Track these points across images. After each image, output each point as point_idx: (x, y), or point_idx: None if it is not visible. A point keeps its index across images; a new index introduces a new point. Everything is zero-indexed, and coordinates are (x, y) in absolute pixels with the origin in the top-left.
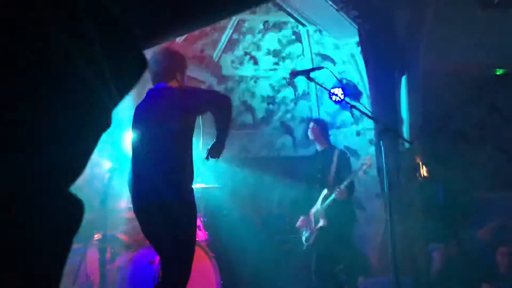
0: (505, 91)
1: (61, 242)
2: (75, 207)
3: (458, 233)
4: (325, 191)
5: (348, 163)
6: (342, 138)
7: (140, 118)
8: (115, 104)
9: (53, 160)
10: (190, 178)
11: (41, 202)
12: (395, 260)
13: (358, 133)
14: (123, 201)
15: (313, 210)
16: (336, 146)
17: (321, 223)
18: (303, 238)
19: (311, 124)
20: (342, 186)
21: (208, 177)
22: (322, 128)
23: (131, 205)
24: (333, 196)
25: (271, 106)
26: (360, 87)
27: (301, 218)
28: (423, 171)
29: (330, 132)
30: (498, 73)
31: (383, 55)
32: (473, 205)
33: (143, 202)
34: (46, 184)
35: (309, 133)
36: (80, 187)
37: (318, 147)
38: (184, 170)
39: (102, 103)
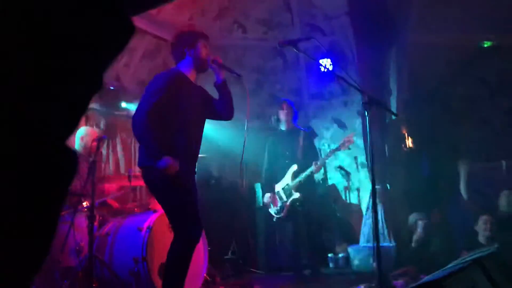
0: (491, 63)
1: (58, 190)
2: (70, 158)
3: (441, 202)
4: (294, 167)
5: (313, 142)
6: (330, 109)
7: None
8: (104, 67)
9: (52, 116)
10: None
11: (39, 152)
12: (376, 227)
13: (345, 104)
14: (112, 169)
15: (282, 185)
16: (300, 127)
17: (295, 195)
18: (272, 212)
19: (284, 106)
20: (319, 162)
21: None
22: (293, 110)
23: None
24: (311, 169)
25: (260, 76)
26: (349, 58)
27: (268, 195)
28: (409, 142)
29: (316, 103)
30: (485, 45)
31: (373, 27)
32: (456, 175)
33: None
34: (45, 136)
35: (281, 114)
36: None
37: (284, 127)
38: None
39: (93, 67)
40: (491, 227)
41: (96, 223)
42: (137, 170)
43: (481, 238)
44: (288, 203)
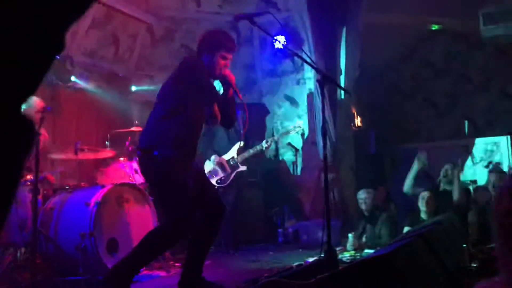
0: (438, 45)
1: (14, 162)
2: (27, 127)
3: (386, 180)
4: (240, 143)
5: (263, 118)
6: (282, 86)
7: None
8: (66, 25)
9: (8, 78)
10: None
11: None
12: (327, 203)
13: (298, 82)
14: (57, 142)
15: (226, 157)
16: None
17: (241, 168)
18: (213, 181)
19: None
20: (269, 139)
21: None
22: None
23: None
24: (261, 146)
25: None
26: (303, 36)
27: (213, 165)
28: (357, 121)
29: (269, 80)
30: (434, 28)
31: (326, 6)
32: (402, 154)
33: None
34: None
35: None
36: None
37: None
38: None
39: (54, 24)
40: (431, 203)
41: (40, 197)
42: (85, 144)
43: (423, 215)
44: (233, 175)
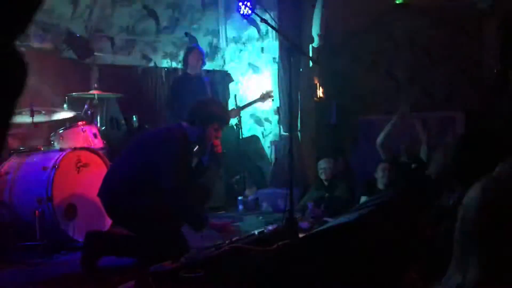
0: (400, 19)
1: (6, 99)
2: (19, 62)
3: (346, 150)
4: None
5: (227, 86)
6: (246, 54)
7: None
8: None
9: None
10: None
11: None
12: (291, 172)
13: (262, 50)
14: None
15: None
16: (206, 78)
17: None
18: None
19: (195, 52)
20: (235, 109)
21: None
22: (203, 56)
23: None
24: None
25: (176, 13)
26: (269, 3)
27: None
28: (319, 92)
29: (233, 47)
30: (398, 2)
31: None
32: (361, 125)
33: None
34: None
35: (190, 58)
36: None
37: (191, 71)
38: None
39: None
40: (388, 174)
41: None
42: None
43: (380, 185)
44: None
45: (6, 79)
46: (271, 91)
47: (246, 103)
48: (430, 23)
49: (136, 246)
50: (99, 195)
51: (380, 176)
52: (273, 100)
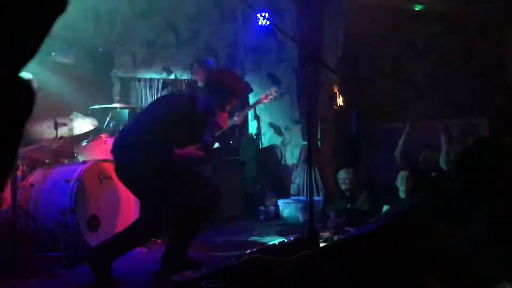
0: (419, 26)
1: (13, 128)
2: (27, 91)
3: (367, 158)
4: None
5: (247, 96)
6: (265, 64)
7: None
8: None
9: (6, 41)
10: None
11: None
12: (310, 181)
13: (281, 60)
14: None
15: None
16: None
17: (216, 145)
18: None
19: (195, 66)
20: (243, 112)
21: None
22: (206, 69)
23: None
24: (234, 119)
25: (195, 26)
26: (288, 14)
27: None
28: (339, 100)
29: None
30: (416, 9)
31: None
32: (382, 133)
33: None
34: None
35: (194, 73)
36: None
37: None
38: None
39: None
40: (408, 183)
41: (19, 173)
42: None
43: (401, 194)
44: None
45: (13, 109)
46: (275, 89)
47: (251, 104)
48: (450, 29)
49: (141, 228)
50: (111, 151)
51: (400, 185)
52: (277, 97)
